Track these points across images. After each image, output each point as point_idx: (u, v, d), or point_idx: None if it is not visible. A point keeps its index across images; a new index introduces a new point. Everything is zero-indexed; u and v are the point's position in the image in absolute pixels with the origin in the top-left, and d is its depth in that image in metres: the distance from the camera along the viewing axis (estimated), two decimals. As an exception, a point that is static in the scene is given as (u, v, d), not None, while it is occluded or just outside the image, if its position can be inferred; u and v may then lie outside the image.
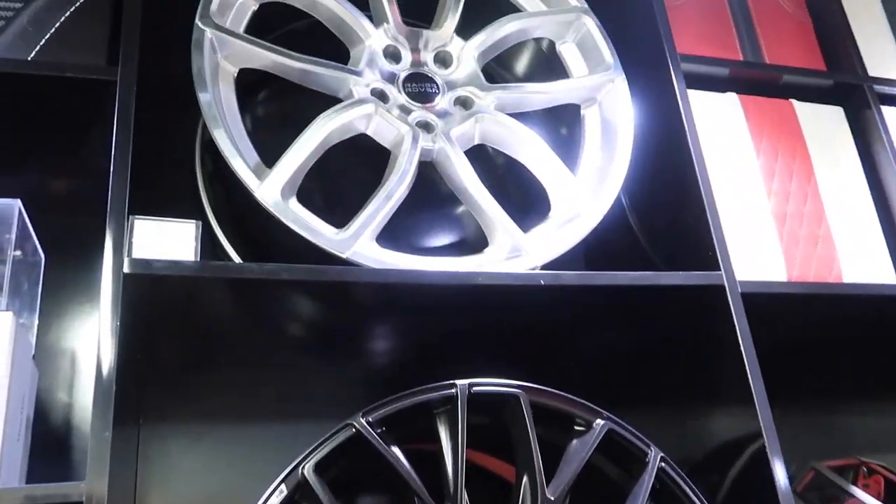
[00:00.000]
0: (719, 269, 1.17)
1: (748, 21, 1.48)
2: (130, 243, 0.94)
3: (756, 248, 1.26)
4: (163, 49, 1.10)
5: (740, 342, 1.13)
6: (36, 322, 1.04)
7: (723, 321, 1.15)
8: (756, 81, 1.43)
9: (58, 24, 1.06)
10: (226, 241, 1.16)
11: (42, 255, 1.06)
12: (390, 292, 1.06)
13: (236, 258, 1.18)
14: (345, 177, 1.25)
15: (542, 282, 1.08)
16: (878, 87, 1.47)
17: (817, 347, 1.44)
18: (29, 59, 1.03)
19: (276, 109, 1.29)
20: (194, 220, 1.00)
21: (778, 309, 1.25)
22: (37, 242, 1.03)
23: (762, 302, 1.19)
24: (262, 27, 1.22)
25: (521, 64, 1.48)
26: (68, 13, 1.08)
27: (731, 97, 1.38)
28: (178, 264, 0.94)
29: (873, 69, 1.51)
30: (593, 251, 1.42)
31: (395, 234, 1.13)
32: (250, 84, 1.20)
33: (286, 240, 1.04)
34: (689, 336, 1.24)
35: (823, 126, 1.42)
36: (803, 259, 1.28)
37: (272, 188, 1.03)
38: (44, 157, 1.16)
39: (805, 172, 1.36)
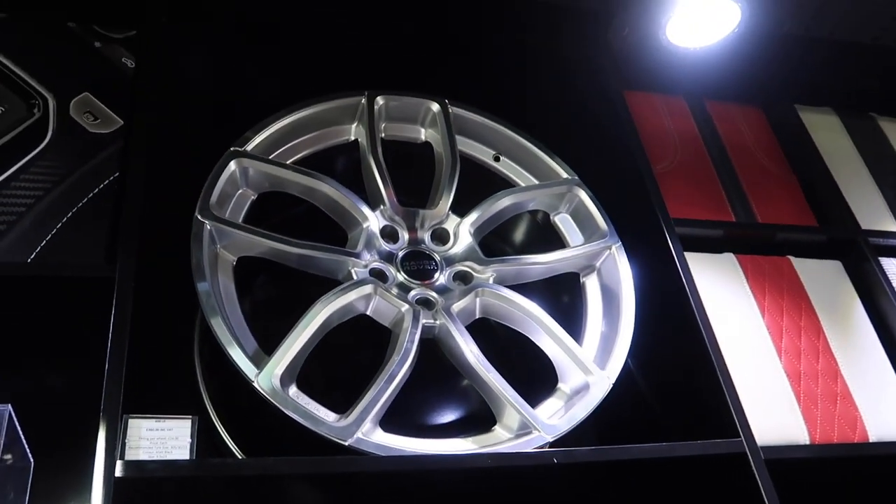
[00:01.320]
0: (739, 437, 1.13)
1: (735, 182, 1.52)
2: (124, 444, 0.90)
3: (774, 410, 1.22)
4: (160, 244, 1.11)
5: (769, 512, 1.06)
6: (21, 533, 0.99)
7: (747, 490, 1.09)
8: (751, 240, 1.45)
9: (59, 226, 1.08)
10: (225, 433, 1.12)
11: (31, 461, 1.02)
12: (396, 479, 1.00)
13: (235, 450, 1.13)
14: (346, 355, 1.23)
15: (556, 460, 1.03)
16: (873, 240, 1.48)
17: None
18: (28, 260, 1.03)
19: (276, 292, 1.29)
20: (190, 416, 0.96)
21: (804, 474, 1.19)
22: (26, 447, 0.99)
23: (787, 467, 1.13)
24: (262, 214, 1.25)
25: (519, 234, 1.50)
26: (69, 215, 1.10)
27: (729, 257, 1.38)
28: (173, 464, 0.90)
29: (865, 222, 1.53)
30: (602, 419, 1.37)
31: (398, 410, 1.09)
32: (250, 268, 1.21)
33: (287, 428, 1.00)
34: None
35: (824, 280, 1.42)
36: (824, 418, 1.23)
37: (271, 376, 1.01)
38: (39, 354, 1.14)
39: (813, 328, 1.34)
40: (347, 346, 1.19)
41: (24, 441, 0.97)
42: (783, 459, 1.14)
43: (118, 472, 0.87)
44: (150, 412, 0.95)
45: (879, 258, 1.46)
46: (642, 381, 1.36)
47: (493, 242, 1.46)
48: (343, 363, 1.19)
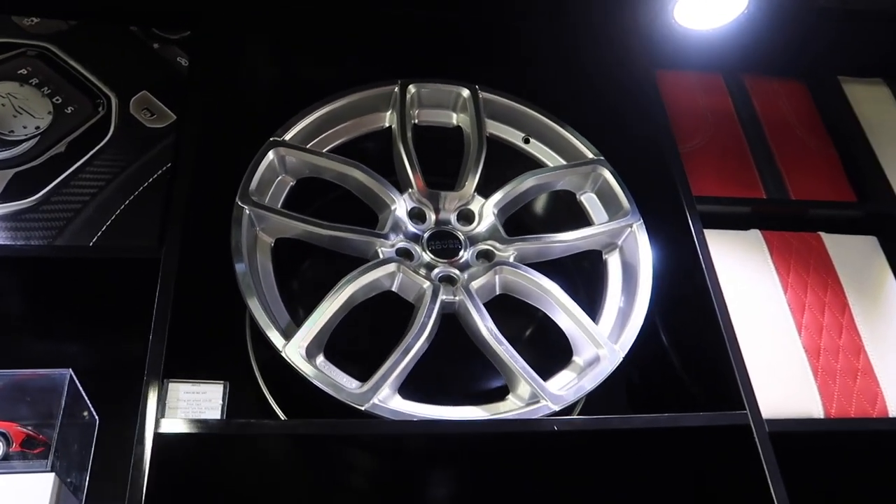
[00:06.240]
0: (744, 409, 1.16)
1: (769, 158, 1.52)
2: (164, 405, 1.03)
3: (788, 384, 1.24)
4: (207, 228, 1.23)
5: (770, 484, 1.10)
6: (86, 480, 1.14)
7: (750, 462, 1.13)
8: (780, 217, 1.45)
9: (118, 212, 1.22)
10: (270, 396, 1.25)
11: (96, 418, 1.17)
12: (407, 441, 1.10)
13: (279, 411, 1.26)
14: (375, 328, 1.32)
15: (556, 427, 1.10)
16: (914, 215, 1.46)
17: (857, 488, 1.36)
18: (91, 244, 1.18)
19: (310, 271, 1.39)
20: (222, 382, 1.09)
21: (813, 448, 1.22)
22: (90, 406, 1.14)
23: (794, 441, 1.16)
24: (302, 199, 1.36)
25: (545, 209, 1.55)
26: (128, 202, 1.24)
27: (754, 234, 1.40)
28: (205, 423, 1.02)
29: (907, 196, 1.51)
30: (635, 387, 1.44)
31: (422, 379, 1.18)
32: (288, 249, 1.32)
33: (312, 393, 1.11)
34: (717, 478, 1.21)
35: (856, 256, 1.41)
36: (842, 394, 1.25)
37: (297, 347, 1.12)
38: (102, 326, 1.30)
39: (838, 304, 1.34)
40: (377, 320, 1.28)
41: (88, 401, 1.12)
42: (791, 432, 1.17)
43: (160, 429, 1.00)
44: (191, 377, 1.08)
45: (919, 232, 1.45)
46: (673, 352, 1.40)
47: (524, 218, 1.52)
48: (372, 335, 1.30)
